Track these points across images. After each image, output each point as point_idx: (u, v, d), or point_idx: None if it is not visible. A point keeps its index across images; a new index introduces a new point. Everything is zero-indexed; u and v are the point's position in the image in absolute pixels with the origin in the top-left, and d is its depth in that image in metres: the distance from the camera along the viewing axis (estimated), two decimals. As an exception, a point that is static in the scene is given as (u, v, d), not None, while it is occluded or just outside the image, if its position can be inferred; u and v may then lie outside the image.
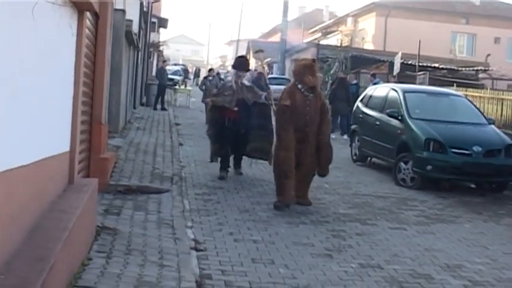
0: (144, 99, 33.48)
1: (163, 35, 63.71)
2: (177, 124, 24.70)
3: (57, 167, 6.86)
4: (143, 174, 12.90)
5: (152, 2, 36.48)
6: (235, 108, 13.36)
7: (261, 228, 9.60)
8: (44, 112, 6.00)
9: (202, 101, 25.20)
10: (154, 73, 40.78)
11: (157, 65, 45.03)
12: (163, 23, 51.03)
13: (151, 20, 38.76)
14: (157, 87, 31.96)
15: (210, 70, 27.71)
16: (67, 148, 7.48)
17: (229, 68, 35.80)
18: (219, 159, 13.90)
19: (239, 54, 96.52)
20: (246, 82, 13.95)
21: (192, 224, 9.53)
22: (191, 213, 10.28)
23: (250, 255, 8.22)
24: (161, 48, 52.60)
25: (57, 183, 6.96)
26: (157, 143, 18.10)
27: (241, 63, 14.11)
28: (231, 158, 14.06)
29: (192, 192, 11.96)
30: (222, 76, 29.16)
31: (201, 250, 8.24)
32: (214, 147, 13.91)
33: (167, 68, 40.98)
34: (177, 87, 38.79)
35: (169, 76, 40.43)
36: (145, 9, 31.29)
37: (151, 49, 41.22)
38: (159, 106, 31.45)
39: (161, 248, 7.80)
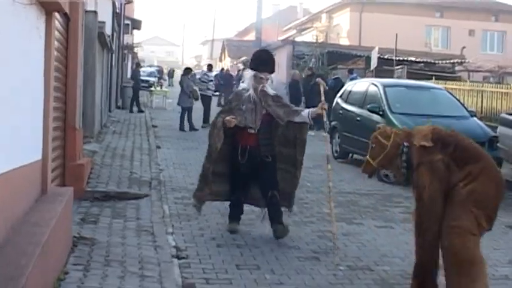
0: (119, 102, 33.13)
1: (137, 36, 63.39)
2: (154, 126, 24.35)
3: (28, 177, 6.52)
4: (121, 180, 12.56)
5: (125, 3, 36.15)
6: (253, 131, 8.96)
7: (244, 232, 9.29)
8: (11, 120, 5.65)
9: (179, 104, 24.88)
10: (129, 75, 40.43)
11: (131, 67, 44.65)
12: (136, 24, 50.69)
13: (125, 22, 38.42)
14: (133, 90, 31.61)
15: (187, 69, 27.20)
16: (39, 156, 7.14)
17: (203, 68, 34.24)
18: (229, 203, 9.55)
19: (213, 54, 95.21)
20: (269, 90, 9.06)
21: (172, 230, 9.22)
22: (171, 218, 9.96)
23: (235, 261, 7.92)
24: (135, 50, 52.22)
25: (29, 194, 6.62)
26: (135, 147, 17.77)
27: (263, 61, 9.07)
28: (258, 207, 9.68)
29: (172, 197, 11.64)
30: (199, 76, 28.57)
31: (183, 258, 7.94)
32: (214, 189, 9.27)
33: (142, 70, 40.65)
34: (152, 88, 38.48)
35: (145, 78, 40.11)
36: (117, 10, 30.96)
37: (125, 51, 40.86)
38: (135, 108, 31.08)
39: (141, 258, 7.50)
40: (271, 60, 9.23)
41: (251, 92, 8.97)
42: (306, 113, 8.92)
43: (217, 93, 39.02)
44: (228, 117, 8.80)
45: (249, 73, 9.28)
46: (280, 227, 8.81)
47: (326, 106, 8.77)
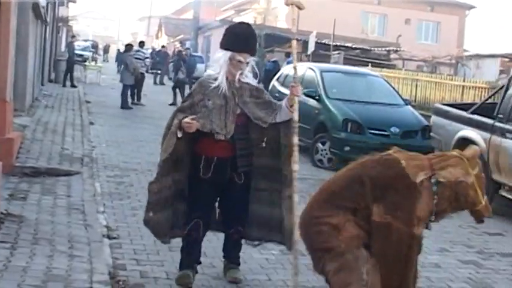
0: (52, 76, 32.55)
1: (73, 9, 62.33)
2: (87, 102, 23.99)
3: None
4: (52, 156, 12.30)
5: (61, -25, 35.45)
6: (222, 137, 6.29)
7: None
8: None
9: (121, 81, 24.55)
10: (63, 49, 39.77)
11: (66, 40, 43.91)
12: (72, -3, 49.79)
13: (61, -6, 37.70)
14: (66, 63, 31.09)
15: (129, 45, 26.85)
16: (-33, 129, 6.92)
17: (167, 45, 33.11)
18: (181, 243, 6.60)
19: (150, 31, 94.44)
20: (250, 80, 6.45)
21: (104, 209, 9.06)
22: (103, 197, 9.80)
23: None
24: (70, 23, 51.37)
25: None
26: (67, 122, 17.45)
27: (242, 37, 6.29)
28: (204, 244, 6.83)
29: (104, 175, 11.47)
30: (145, 51, 27.92)
31: (114, 238, 7.82)
32: (163, 217, 6.48)
33: (76, 44, 40.02)
34: (87, 63, 37.96)
35: (79, 52, 39.54)
36: (53, -18, 30.28)
37: (60, 24, 40.13)
38: (68, 83, 30.58)
39: (71, 236, 7.33)
40: (252, 36, 6.39)
41: (221, 82, 6.21)
42: (283, 103, 6.30)
43: (154, 70, 38.75)
44: (186, 119, 6.12)
45: (220, 54, 6.31)
46: (233, 267, 6.67)
47: (299, 88, 6.21)
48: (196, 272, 6.50)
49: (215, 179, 6.30)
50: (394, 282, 4.58)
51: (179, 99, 24.91)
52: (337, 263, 4.57)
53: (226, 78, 6.24)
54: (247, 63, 6.28)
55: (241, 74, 6.24)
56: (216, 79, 6.27)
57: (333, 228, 4.60)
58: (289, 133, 6.25)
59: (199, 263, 6.61)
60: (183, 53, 31.73)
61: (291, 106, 6.13)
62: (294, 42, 6.45)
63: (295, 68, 6.29)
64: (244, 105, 6.29)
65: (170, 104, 25.42)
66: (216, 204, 6.65)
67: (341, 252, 4.56)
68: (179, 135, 6.15)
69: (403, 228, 4.46)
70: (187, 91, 25.19)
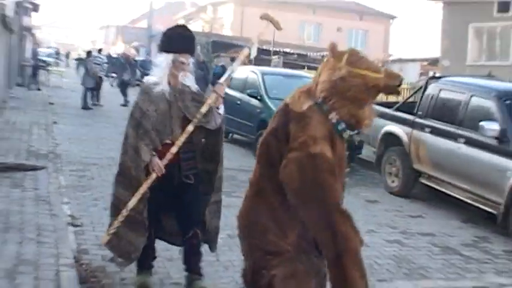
0: (19, 80, 32.05)
1: (37, 19, 61.44)
2: (51, 103, 23.62)
3: None
4: (19, 152, 12.13)
5: (25, -12, 34.90)
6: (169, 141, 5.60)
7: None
8: None
9: (82, 84, 24.27)
10: (28, 55, 39.19)
11: (31, 47, 43.23)
12: (35, 7, 49.05)
13: (24, 5, 37.12)
14: (32, 69, 30.68)
15: (89, 52, 26.61)
16: None
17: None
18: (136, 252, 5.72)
19: (108, 40, 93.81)
20: (190, 83, 5.80)
21: (68, 200, 9.03)
22: (67, 189, 9.75)
23: (125, 229, 7.80)
24: (34, 31, 50.58)
25: None
26: (33, 122, 17.17)
27: (181, 37, 5.68)
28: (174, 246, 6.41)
29: (67, 169, 11.36)
30: (103, 57, 27.67)
31: (78, 225, 7.80)
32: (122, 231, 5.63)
33: (40, 50, 39.45)
34: (50, 68, 37.44)
35: (43, 58, 38.97)
36: (19, -6, 29.78)
37: (24, 32, 39.51)
38: (33, 86, 30.15)
39: (38, 225, 7.27)
40: (190, 37, 5.75)
41: (164, 86, 5.58)
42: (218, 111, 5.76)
43: (113, 74, 38.38)
44: (159, 162, 5.41)
45: (162, 58, 5.66)
46: (196, 279, 5.89)
47: (223, 87, 5.68)
48: (151, 273, 6.01)
49: (163, 185, 5.50)
50: (320, 220, 3.48)
51: (129, 99, 25.14)
52: (287, 270, 3.64)
53: (169, 83, 5.60)
54: (189, 64, 5.66)
55: (183, 75, 5.63)
56: (157, 84, 5.59)
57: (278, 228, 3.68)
58: (216, 136, 5.86)
59: (153, 265, 6.04)
60: (130, 56, 31.63)
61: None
62: (246, 50, 5.89)
63: (232, 70, 5.88)
64: (186, 110, 5.61)
65: (122, 105, 25.29)
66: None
67: (291, 258, 3.65)
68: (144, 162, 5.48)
69: (299, 156, 3.45)
70: (130, 91, 25.25)
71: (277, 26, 5.67)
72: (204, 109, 5.47)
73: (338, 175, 3.60)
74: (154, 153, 5.49)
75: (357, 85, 3.56)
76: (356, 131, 3.81)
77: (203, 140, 5.83)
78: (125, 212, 5.43)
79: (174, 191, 5.67)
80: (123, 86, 26.59)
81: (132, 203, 5.40)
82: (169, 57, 5.59)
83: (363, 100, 3.63)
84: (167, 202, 5.74)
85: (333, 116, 3.62)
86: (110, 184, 9.98)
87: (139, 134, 5.51)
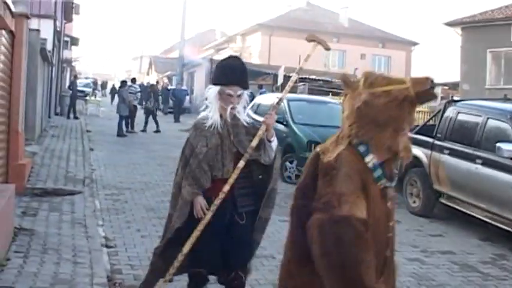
0: (58, 109, 32.53)
1: (76, 51, 62.24)
2: (88, 131, 23.95)
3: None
4: (57, 178, 12.33)
5: (65, 23, 35.49)
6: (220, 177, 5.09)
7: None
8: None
9: (118, 112, 24.58)
10: (67, 85, 39.78)
11: (70, 78, 43.86)
12: (74, 41, 49.84)
13: (64, 39, 37.74)
14: (70, 98, 31.15)
15: (124, 82, 26.91)
16: (-16, 157, 7.01)
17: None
18: None
19: (142, 69, 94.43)
20: (243, 116, 5.22)
21: (102, 222, 9.13)
22: (102, 212, 9.86)
23: (157, 249, 7.89)
24: (73, 63, 51.33)
25: (-25, 190, 6.48)
26: (70, 149, 17.45)
27: (230, 69, 5.16)
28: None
29: (103, 193, 11.49)
30: (137, 86, 28.01)
31: (111, 247, 7.87)
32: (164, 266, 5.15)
33: (79, 81, 40.02)
34: (87, 98, 37.93)
35: (81, 88, 39.53)
36: (58, 28, 30.33)
37: (64, 64, 40.13)
38: (71, 115, 30.58)
39: (75, 246, 7.39)
40: (240, 68, 5.16)
41: (215, 120, 5.04)
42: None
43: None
44: (202, 204, 4.96)
45: (212, 91, 5.11)
46: None
47: (273, 116, 5.02)
48: None
49: (214, 221, 4.92)
50: None
51: (152, 125, 25.82)
52: None
53: (220, 116, 5.05)
54: (239, 96, 5.03)
55: (233, 108, 5.01)
56: (207, 118, 5.09)
57: None
58: (269, 172, 5.18)
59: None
60: (156, 86, 32.10)
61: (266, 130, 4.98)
62: (295, 77, 5.35)
63: (281, 98, 5.22)
64: (239, 144, 5.02)
65: (155, 132, 25.58)
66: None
67: None
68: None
69: (321, 219, 2.80)
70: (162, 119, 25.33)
71: (325, 46, 5.26)
72: (254, 142, 4.94)
73: (375, 234, 2.94)
74: (198, 191, 5.00)
75: (384, 104, 2.94)
76: (392, 183, 3.12)
77: (260, 176, 5.17)
78: (180, 257, 4.95)
79: (225, 228, 5.04)
80: (146, 113, 26.66)
81: (186, 248, 4.90)
82: (216, 89, 5.07)
83: (398, 119, 2.96)
84: (217, 239, 5.02)
85: (370, 160, 2.97)
86: (143, 207, 10.25)
87: (186, 173, 5.07)
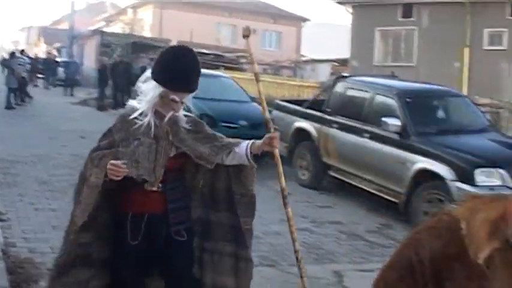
0: None
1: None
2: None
3: None
4: None
5: None
6: (153, 187, 3.76)
7: (58, 198, 9.09)
8: None
9: (6, 84, 23.65)
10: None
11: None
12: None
13: None
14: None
15: (13, 53, 25.92)
16: None
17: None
18: None
19: (30, 40, 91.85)
20: (182, 117, 3.87)
21: (-6, 196, 8.92)
22: (-7, 186, 9.62)
23: (51, 222, 7.79)
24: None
25: None
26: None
27: (181, 73, 3.73)
28: None
29: (-8, 166, 11.19)
30: (25, 58, 26.83)
31: (4, 220, 7.73)
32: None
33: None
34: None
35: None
36: None
37: None
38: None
39: (-34, 221, 7.21)
40: (194, 68, 3.84)
41: (150, 118, 3.79)
42: (244, 147, 3.90)
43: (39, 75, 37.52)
44: (113, 161, 3.58)
45: (150, 87, 3.80)
46: None
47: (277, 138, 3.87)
48: None
49: (146, 243, 3.76)
50: None
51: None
52: None
53: (157, 112, 3.82)
54: (183, 102, 3.81)
55: (174, 112, 3.79)
56: (142, 114, 3.80)
57: None
58: (245, 179, 3.98)
59: None
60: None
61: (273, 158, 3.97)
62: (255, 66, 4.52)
63: (263, 108, 4.20)
64: (182, 143, 3.86)
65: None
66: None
67: None
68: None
69: None
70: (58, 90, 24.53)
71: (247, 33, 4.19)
72: (282, 183, 4.03)
73: None
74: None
75: None
76: None
77: (201, 182, 4.06)
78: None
79: (160, 250, 3.84)
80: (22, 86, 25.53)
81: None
82: (158, 90, 3.75)
83: None
84: (152, 264, 3.90)
85: None
86: (35, 180, 10.03)
87: (93, 156, 3.75)
